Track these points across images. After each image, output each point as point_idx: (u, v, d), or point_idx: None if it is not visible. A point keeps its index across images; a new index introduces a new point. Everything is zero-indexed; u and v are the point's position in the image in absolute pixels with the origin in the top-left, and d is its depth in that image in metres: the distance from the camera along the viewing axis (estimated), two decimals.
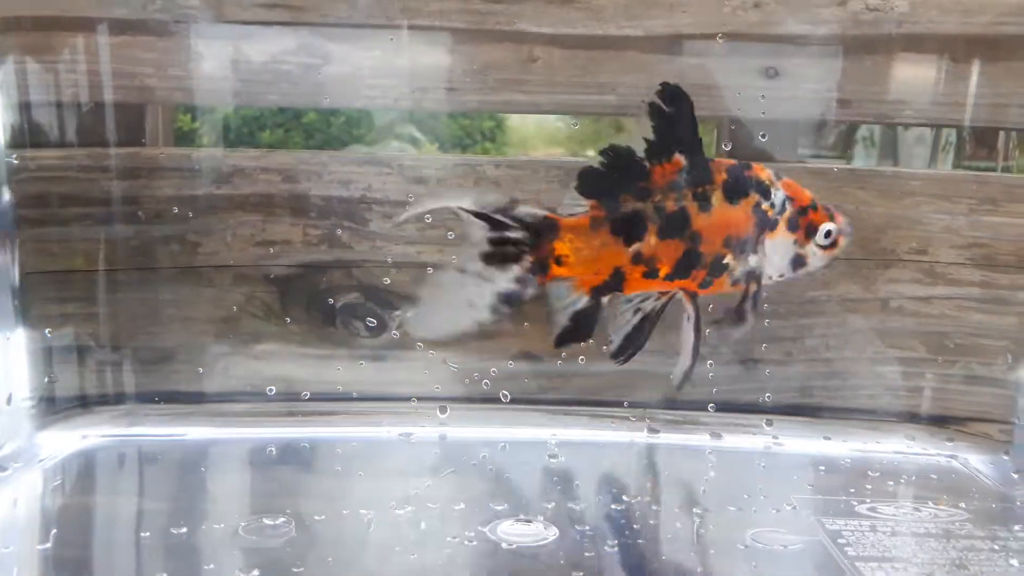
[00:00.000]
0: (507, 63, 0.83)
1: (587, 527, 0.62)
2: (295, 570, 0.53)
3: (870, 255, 0.90)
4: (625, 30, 0.85)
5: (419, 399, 0.81)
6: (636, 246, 0.61)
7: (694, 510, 0.65)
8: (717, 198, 0.61)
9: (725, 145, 0.88)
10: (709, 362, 0.83)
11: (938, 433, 0.79)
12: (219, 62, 0.83)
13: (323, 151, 0.88)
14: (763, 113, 0.87)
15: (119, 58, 0.81)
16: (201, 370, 0.84)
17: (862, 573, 0.57)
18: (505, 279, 0.60)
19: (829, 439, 0.78)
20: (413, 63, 0.85)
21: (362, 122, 0.88)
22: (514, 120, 0.91)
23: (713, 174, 0.62)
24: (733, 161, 0.64)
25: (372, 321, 0.86)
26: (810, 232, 0.63)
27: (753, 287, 0.63)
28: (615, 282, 0.60)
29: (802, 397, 0.86)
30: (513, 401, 0.81)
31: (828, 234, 0.63)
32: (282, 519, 0.59)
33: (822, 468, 0.75)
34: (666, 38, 0.85)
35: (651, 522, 0.63)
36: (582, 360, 0.82)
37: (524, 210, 0.60)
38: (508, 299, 0.61)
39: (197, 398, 0.85)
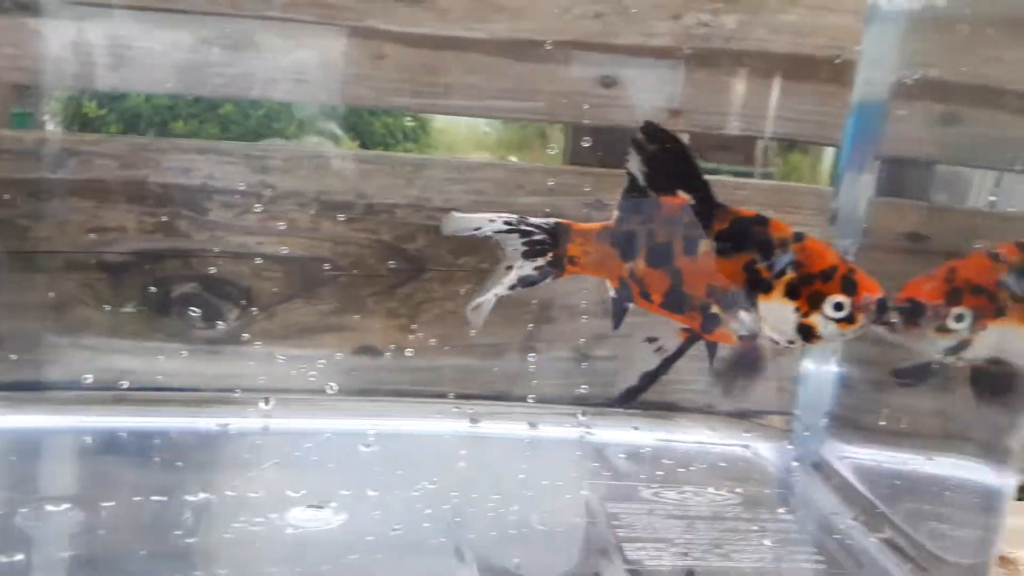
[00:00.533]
0: (357, 59, 0.84)
1: (377, 512, 0.63)
2: (62, 554, 0.53)
3: None
4: (471, 32, 0.87)
5: (244, 391, 0.81)
6: (630, 264, 0.63)
7: (492, 496, 0.67)
8: (706, 244, 0.60)
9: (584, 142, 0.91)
10: (531, 355, 0.86)
11: (737, 425, 0.84)
12: (60, 43, 0.82)
13: (164, 138, 0.87)
14: (593, 121, 0.91)
15: None
16: (29, 358, 0.83)
17: (624, 552, 0.60)
18: (529, 267, 0.65)
19: (637, 429, 0.82)
20: (261, 54, 0.85)
21: (282, 115, 0.87)
22: (438, 120, 0.92)
23: (714, 220, 0.60)
24: (752, 212, 0.60)
25: (209, 311, 0.85)
26: (814, 302, 0.58)
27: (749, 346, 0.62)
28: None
29: (616, 389, 0.89)
30: (342, 392, 0.82)
31: (839, 307, 0.57)
32: (66, 505, 0.59)
33: (622, 455, 0.78)
34: (509, 42, 0.87)
35: (443, 507, 0.65)
36: (410, 352, 0.84)
37: (538, 220, 0.65)
38: (525, 281, 0.66)
39: (23, 386, 0.83)
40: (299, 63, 0.85)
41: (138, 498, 0.62)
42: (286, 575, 0.56)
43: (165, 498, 0.62)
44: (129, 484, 0.66)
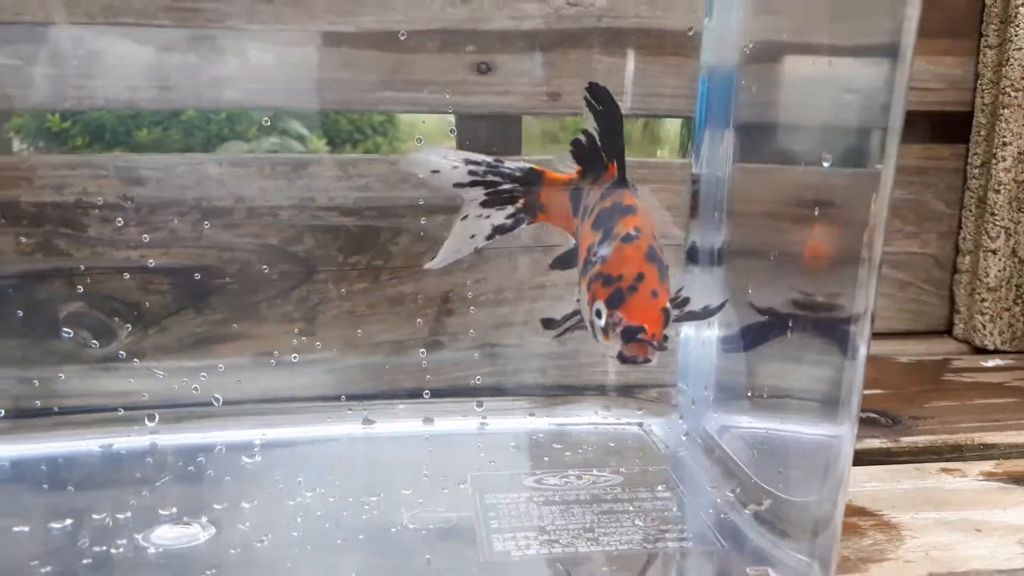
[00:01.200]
0: (223, 61, 0.83)
1: (247, 525, 0.62)
2: None
3: None
4: (337, 26, 0.86)
5: (126, 409, 0.80)
6: (577, 221, 0.66)
7: (370, 497, 0.67)
8: (593, 214, 0.63)
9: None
10: (421, 350, 0.86)
11: (630, 403, 0.84)
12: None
13: (34, 155, 0.85)
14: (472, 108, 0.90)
15: None
16: None
17: (493, 544, 0.60)
18: (501, 216, 0.68)
19: (533, 415, 0.82)
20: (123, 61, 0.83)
21: (243, 119, 0.85)
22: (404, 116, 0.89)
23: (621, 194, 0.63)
24: (630, 201, 0.63)
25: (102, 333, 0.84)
26: (592, 299, 0.59)
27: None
28: None
29: (515, 376, 0.89)
30: (227, 403, 0.81)
31: (599, 314, 0.57)
32: None
33: (513, 445, 0.78)
34: (379, 34, 0.86)
35: (317, 513, 0.65)
36: (295, 358, 0.83)
37: (513, 164, 0.67)
38: (501, 229, 0.70)
39: None
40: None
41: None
42: None
43: (26, 528, 0.61)
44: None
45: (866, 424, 0.92)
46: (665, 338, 0.58)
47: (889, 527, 0.70)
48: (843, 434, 0.55)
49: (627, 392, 0.87)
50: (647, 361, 0.56)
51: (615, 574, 0.60)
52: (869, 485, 0.78)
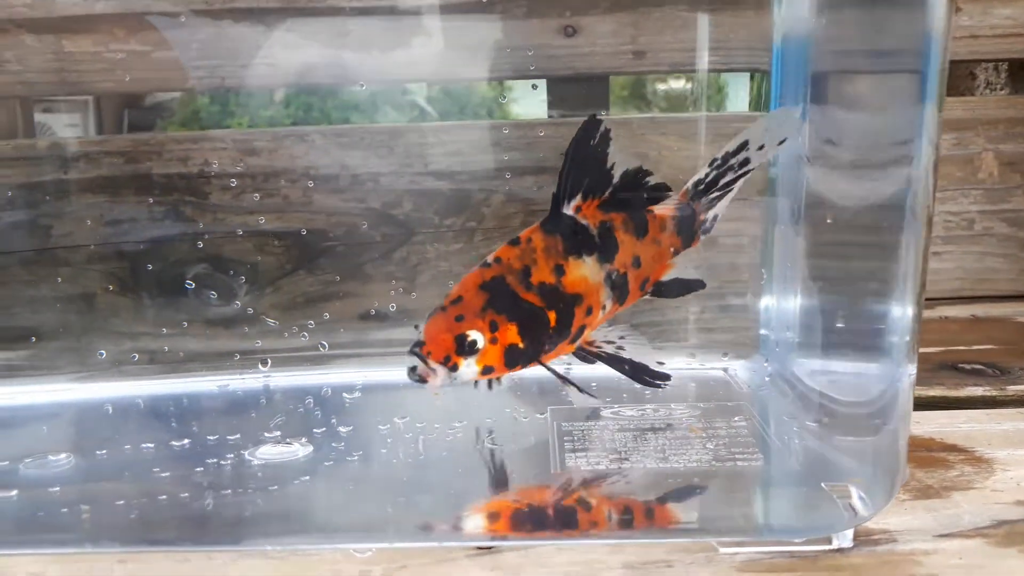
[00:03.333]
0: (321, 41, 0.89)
1: (342, 445, 0.68)
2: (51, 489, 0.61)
3: None
4: None
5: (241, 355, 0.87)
6: None
7: (455, 423, 0.71)
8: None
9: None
10: None
11: (716, 349, 0.85)
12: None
13: (162, 132, 0.95)
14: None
15: None
16: (63, 344, 0.91)
17: (565, 461, 0.63)
18: None
19: None
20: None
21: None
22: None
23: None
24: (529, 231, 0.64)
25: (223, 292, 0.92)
26: None
27: None
28: None
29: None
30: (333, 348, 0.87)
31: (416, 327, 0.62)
32: (63, 455, 0.69)
33: (594, 385, 0.80)
34: (468, 3, 0.90)
35: (407, 435, 0.70)
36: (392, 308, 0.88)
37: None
38: None
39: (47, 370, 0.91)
40: None
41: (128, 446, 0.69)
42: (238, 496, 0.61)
43: (152, 445, 0.69)
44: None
45: (971, 375, 0.89)
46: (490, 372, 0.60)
47: (980, 461, 0.68)
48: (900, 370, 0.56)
49: (712, 339, 0.87)
50: (423, 381, 0.58)
51: (680, 486, 0.61)
52: (966, 426, 0.75)
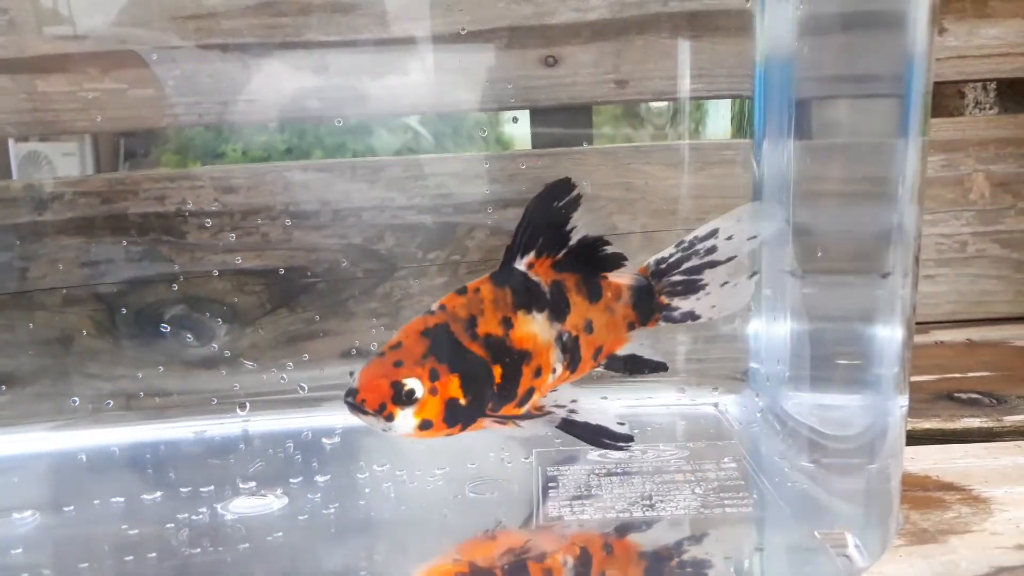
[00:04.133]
0: (300, 72, 0.88)
1: (317, 495, 0.66)
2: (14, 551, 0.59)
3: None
4: (409, 31, 0.89)
5: (219, 399, 0.85)
6: None
7: (435, 471, 0.69)
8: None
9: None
10: None
11: (706, 384, 0.83)
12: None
13: (137, 171, 0.93)
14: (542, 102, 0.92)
15: None
16: (38, 389, 0.89)
17: (547, 511, 0.61)
18: None
19: (606, 398, 0.81)
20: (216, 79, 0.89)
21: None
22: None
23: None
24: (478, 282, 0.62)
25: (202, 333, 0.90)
26: None
27: None
28: None
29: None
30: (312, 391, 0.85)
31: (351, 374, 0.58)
32: (28, 513, 0.67)
33: None
34: (447, 36, 0.89)
35: (384, 485, 0.67)
36: (374, 347, 0.86)
37: None
38: None
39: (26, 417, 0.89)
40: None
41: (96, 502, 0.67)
42: (224, 554, 0.59)
43: (123, 499, 0.67)
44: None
45: (967, 405, 0.87)
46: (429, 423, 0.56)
47: (978, 501, 0.66)
48: (891, 403, 0.53)
49: (702, 374, 0.85)
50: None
51: (669, 537, 0.59)
52: (963, 461, 0.73)
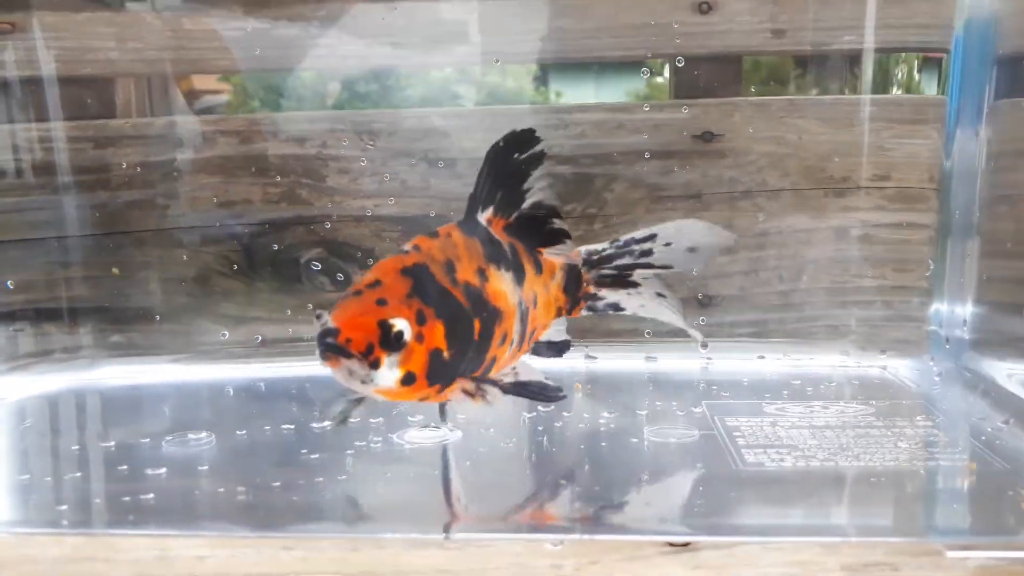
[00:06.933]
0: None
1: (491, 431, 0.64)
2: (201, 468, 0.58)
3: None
4: None
5: None
6: None
7: (606, 414, 0.67)
8: None
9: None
10: None
11: (872, 347, 0.80)
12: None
13: (278, 112, 0.92)
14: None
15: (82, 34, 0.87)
16: (173, 325, 0.89)
17: (743, 456, 0.58)
18: None
19: (763, 358, 0.79)
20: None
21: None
22: None
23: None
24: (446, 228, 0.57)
25: (339, 275, 0.89)
26: None
27: None
28: None
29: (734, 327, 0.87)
30: None
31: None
32: (204, 434, 0.65)
33: (744, 381, 0.76)
34: None
35: (556, 424, 0.66)
36: None
37: None
38: None
39: (165, 350, 0.89)
40: None
41: (267, 428, 0.66)
42: (400, 481, 0.59)
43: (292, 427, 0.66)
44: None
45: None
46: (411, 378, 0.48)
47: None
48: None
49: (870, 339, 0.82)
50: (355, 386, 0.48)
51: (885, 487, 0.56)
52: None
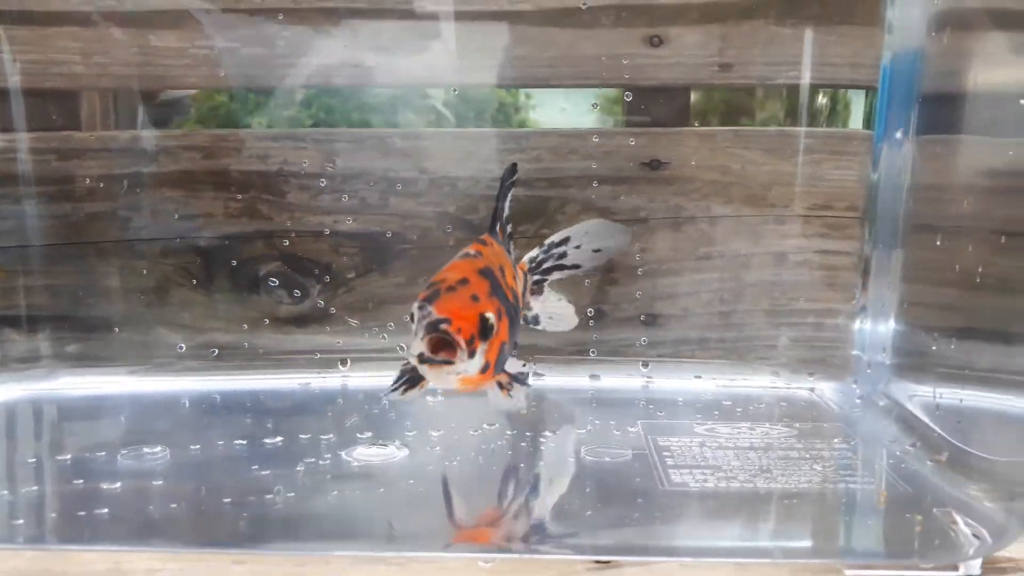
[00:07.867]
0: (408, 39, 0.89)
1: (438, 448, 0.68)
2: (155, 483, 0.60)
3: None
4: (517, 5, 0.90)
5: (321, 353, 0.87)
6: None
7: (545, 433, 0.71)
8: None
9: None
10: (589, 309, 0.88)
11: (801, 369, 0.84)
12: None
13: (241, 129, 0.94)
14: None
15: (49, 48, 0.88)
16: (131, 335, 0.91)
17: (670, 476, 0.62)
18: None
19: (699, 377, 0.83)
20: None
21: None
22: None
23: None
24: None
25: (296, 291, 0.91)
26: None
27: None
28: None
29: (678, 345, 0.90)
30: None
31: (411, 316, 0.55)
32: (159, 448, 0.68)
33: (680, 400, 0.80)
34: (557, 11, 0.90)
35: (499, 442, 0.69)
36: None
37: None
38: None
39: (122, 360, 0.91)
40: None
41: (220, 442, 0.69)
42: (347, 498, 0.61)
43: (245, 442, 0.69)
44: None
45: None
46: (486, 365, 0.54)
47: None
48: None
49: (800, 361, 0.86)
50: (448, 363, 0.53)
51: (796, 509, 0.60)
52: None
